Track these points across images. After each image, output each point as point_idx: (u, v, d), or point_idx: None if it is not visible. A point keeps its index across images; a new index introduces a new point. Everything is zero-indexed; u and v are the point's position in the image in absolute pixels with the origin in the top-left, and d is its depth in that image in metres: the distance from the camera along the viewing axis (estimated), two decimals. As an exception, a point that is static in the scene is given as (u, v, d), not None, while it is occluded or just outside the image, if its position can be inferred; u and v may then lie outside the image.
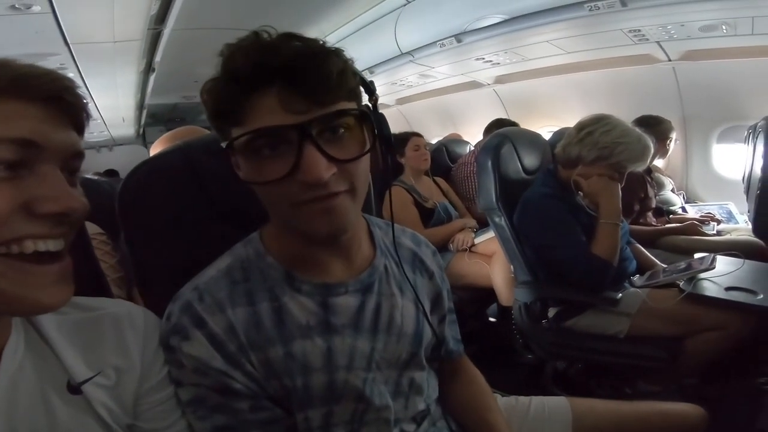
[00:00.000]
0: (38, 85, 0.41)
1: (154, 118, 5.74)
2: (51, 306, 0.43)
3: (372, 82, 0.59)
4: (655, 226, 2.06)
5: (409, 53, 3.02)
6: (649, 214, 2.09)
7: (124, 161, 3.03)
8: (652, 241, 1.89)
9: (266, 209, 0.58)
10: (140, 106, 4.72)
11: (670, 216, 2.27)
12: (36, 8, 1.72)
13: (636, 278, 1.45)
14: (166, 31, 2.55)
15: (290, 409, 0.59)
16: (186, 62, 3.05)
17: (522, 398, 0.86)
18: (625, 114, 1.49)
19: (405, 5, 2.42)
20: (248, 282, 0.59)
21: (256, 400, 0.57)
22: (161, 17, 2.41)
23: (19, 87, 0.40)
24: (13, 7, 1.65)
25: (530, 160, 1.58)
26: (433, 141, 3.39)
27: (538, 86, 3.37)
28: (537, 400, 0.85)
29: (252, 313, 0.57)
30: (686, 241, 1.88)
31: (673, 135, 2.17)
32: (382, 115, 0.58)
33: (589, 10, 2.07)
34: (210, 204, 0.69)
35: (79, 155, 0.45)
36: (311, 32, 2.73)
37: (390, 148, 0.59)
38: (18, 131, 0.39)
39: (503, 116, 2.91)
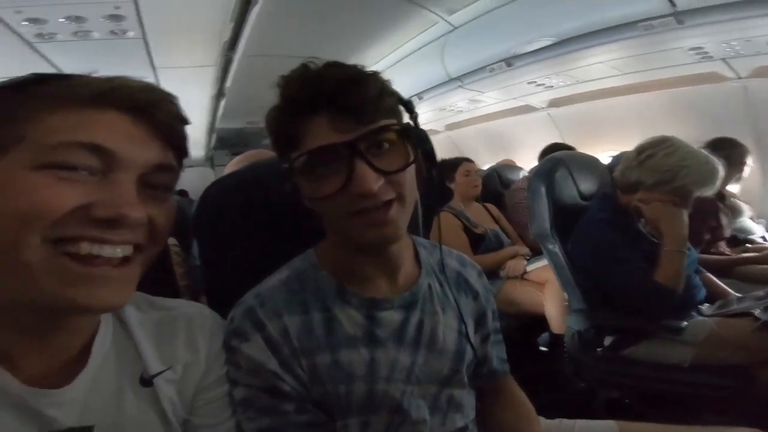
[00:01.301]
0: (128, 97, 0.43)
1: (221, 142, 6.05)
2: (87, 308, 0.42)
3: (410, 101, 0.63)
4: (728, 255, 1.91)
5: (457, 79, 3.05)
6: (722, 243, 1.94)
7: (193, 183, 3.24)
8: (725, 270, 1.74)
9: (322, 227, 0.63)
10: (210, 129, 5.06)
11: (748, 245, 2.08)
12: (131, 33, 1.94)
13: (705, 307, 1.36)
14: (236, 57, 2.77)
15: (331, 415, 0.62)
16: (251, 88, 3.28)
17: (567, 420, 0.84)
18: (691, 137, 1.41)
19: (451, 31, 2.46)
20: (303, 292, 0.63)
21: (302, 403, 0.60)
22: (232, 44, 2.64)
23: (108, 96, 0.43)
24: (112, 32, 1.88)
25: (587, 185, 1.54)
26: (484, 168, 3.37)
27: (594, 109, 3.27)
28: (582, 423, 0.82)
29: (305, 321, 0.61)
30: (764, 270, 1.72)
31: (749, 158, 2.02)
32: (422, 130, 0.61)
33: (644, 29, 2.00)
34: (274, 220, 0.75)
35: (161, 169, 0.46)
36: (361, 59, 2.85)
37: (433, 159, 0.62)
38: (91, 136, 0.41)
39: (558, 140, 2.84)
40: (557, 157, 1.54)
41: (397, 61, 2.91)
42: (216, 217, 0.75)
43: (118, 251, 0.43)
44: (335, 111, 0.54)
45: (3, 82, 0.42)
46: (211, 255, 0.76)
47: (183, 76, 2.79)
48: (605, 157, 2.49)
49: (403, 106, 0.61)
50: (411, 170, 0.59)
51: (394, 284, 0.66)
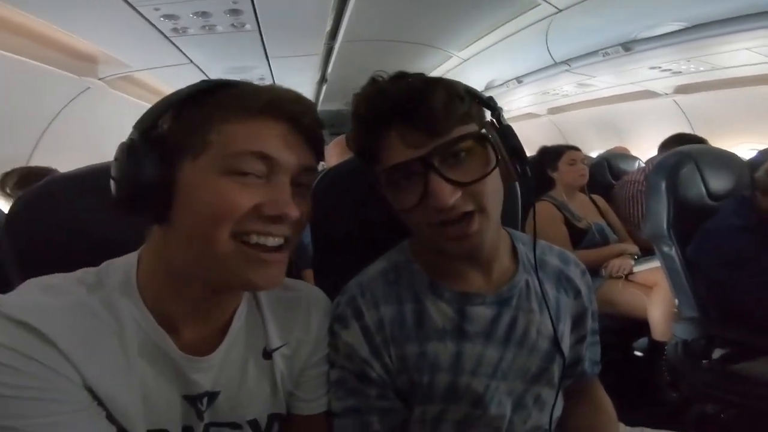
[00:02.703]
0: (283, 107, 0.50)
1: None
2: (258, 286, 0.51)
3: (491, 98, 0.60)
4: None
5: (564, 63, 2.83)
6: None
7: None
8: None
9: None
10: None
11: None
12: (248, 26, 2.14)
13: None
14: (336, 45, 2.90)
15: (410, 403, 0.66)
16: (348, 72, 3.45)
17: (648, 430, 0.80)
18: None
19: (556, 13, 2.28)
20: (398, 284, 0.66)
21: (384, 390, 0.64)
22: (333, 33, 2.76)
23: (270, 107, 0.49)
24: (232, 25, 2.09)
25: (719, 184, 1.37)
26: (592, 154, 3.09)
27: (734, 97, 2.81)
28: None
29: (398, 312, 0.65)
30: None
31: None
32: (507, 127, 0.59)
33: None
34: (378, 209, 0.80)
35: (307, 170, 0.53)
36: (453, 42, 2.81)
37: (520, 156, 0.59)
38: (261, 146, 0.48)
39: (686, 131, 2.49)
40: (685, 152, 1.39)
41: (494, 43, 2.79)
42: (328, 202, 0.80)
43: (276, 241, 0.50)
44: (403, 125, 0.55)
45: (188, 91, 0.50)
46: (322, 236, 0.82)
47: (292, 65, 2.99)
48: (746, 151, 2.15)
49: (484, 106, 0.60)
50: (494, 177, 0.58)
51: (488, 279, 0.66)
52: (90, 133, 2.72)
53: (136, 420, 0.50)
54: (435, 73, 3.61)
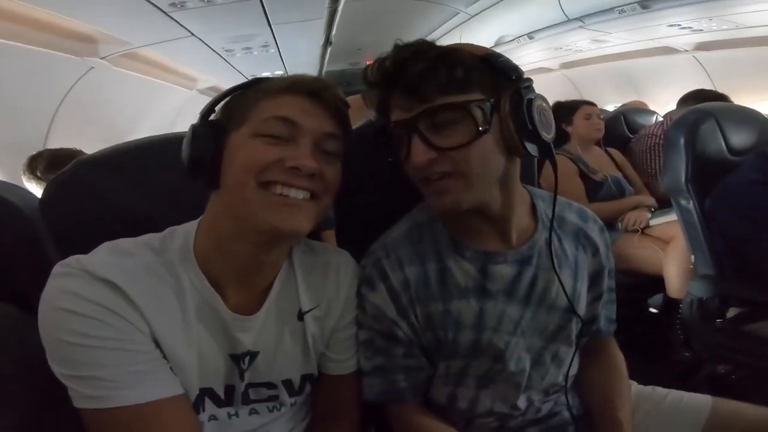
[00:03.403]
0: (304, 84, 0.58)
1: None
2: (280, 229, 0.54)
3: (514, 69, 0.59)
4: None
5: (578, 19, 2.71)
6: None
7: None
8: None
9: None
10: (319, 74, 5.42)
11: None
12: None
13: None
14: (340, 6, 2.81)
15: (434, 360, 0.69)
16: (353, 32, 3.40)
17: (660, 389, 0.82)
18: None
19: None
20: (422, 244, 0.68)
21: (410, 348, 0.67)
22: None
23: (293, 85, 0.58)
24: (233, -5, 2.04)
25: (740, 139, 1.33)
26: (608, 108, 2.99)
27: (759, 55, 2.66)
28: (676, 394, 0.80)
29: (422, 272, 0.67)
30: None
31: None
32: (524, 102, 0.58)
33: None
34: (394, 170, 0.80)
35: (329, 137, 0.59)
36: None
37: (527, 135, 0.58)
38: (284, 112, 0.56)
39: (707, 87, 2.39)
40: (706, 109, 1.34)
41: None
42: (346, 165, 0.82)
43: (301, 195, 0.56)
44: (400, 90, 0.59)
45: (235, 86, 0.61)
46: (344, 200, 0.84)
47: (295, 30, 2.92)
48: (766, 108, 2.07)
49: (502, 74, 0.58)
50: (483, 146, 0.58)
51: (507, 239, 0.68)
52: (101, 111, 2.73)
53: (191, 377, 0.55)
54: (440, 30, 3.49)
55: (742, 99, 2.19)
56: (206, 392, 0.58)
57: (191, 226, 0.59)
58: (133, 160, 0.69)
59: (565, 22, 2.81)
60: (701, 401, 0.77)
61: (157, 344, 0.52)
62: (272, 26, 2.91)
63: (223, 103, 0.61)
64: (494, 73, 0.58)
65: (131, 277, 0.50)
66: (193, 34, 2.44)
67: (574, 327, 0.70)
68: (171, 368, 0.53)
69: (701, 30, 2.62)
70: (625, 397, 0.74)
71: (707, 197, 1.27)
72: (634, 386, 0.82)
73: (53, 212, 0.65)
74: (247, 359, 0.60)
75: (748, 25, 2.39)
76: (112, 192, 0.66)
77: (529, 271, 0.67)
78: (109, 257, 0.52)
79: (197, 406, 0.57)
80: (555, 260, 0.68)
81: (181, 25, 2.25)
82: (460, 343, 0.66)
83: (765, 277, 1.14)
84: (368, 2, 2.72)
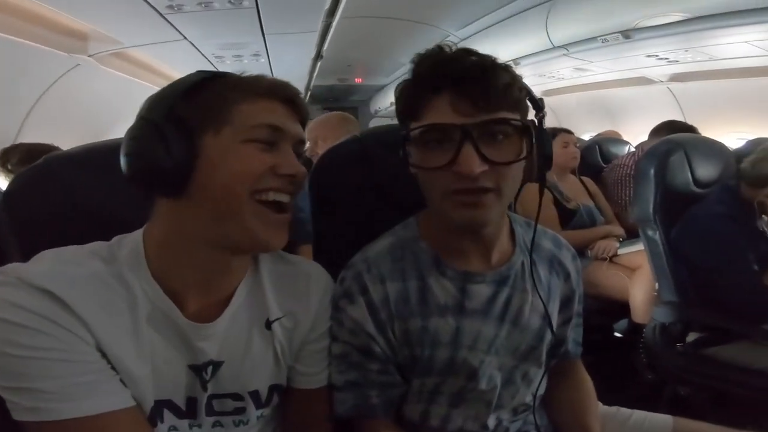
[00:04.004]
0: (282, 91, 0.58)
1: (314, 98, 6.42)
2: (274, 246, 0.57)
3: (541, 100, 0.63)
4: None
5: (563, 47, 2.83)
6: None
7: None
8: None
9: (424, 197, 0.66)
10: (307, 88, 5.40)
11: None
12: (246, 3, 2.11)
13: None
14: (334, 22, 2.85)
15: (408, 377, 0.69)
16: (344, 48, 3.43)
17: (624, 409, 0.84)
18: None
19: None
20: (404, 260, 0.68)
21: (386, 364, 0.67)
22: (332, 10, 2.72)
23: (272, 91, 0.57)
24: (230, 2, 2.05)
25: (705, 172, 1.41)
26: (585, 137, 3.10)
27: (728, 88, 2.81)
28: (639, 414, 0.83)
29: (403, 288, 0.67)
30: None
31: None
32: (545, 132, 0.61)
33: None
34: (378, 187, 0.80)
35: (302, 141, 0.61)
36: (453, 21, 2.75)
37: (549, 164, 0.62)
38: (274, 119, 0.56)
39: (679, 118, 2.51)
40: (675, 140, 1.42)
41: (492, 24, 2.79)
42: (326, 180, 0.82)
43: (287, 198, 0.57)
44: (459, 94, 0.56)
45: (194, 79, 0.55)
46: (322, 215, 0.84)
47: (288, 42, 2.94)
48: (735, 140, 2.17)
49: (532, 104, 0.62)
50: (519, 167, 0.60)
51: (487, 260, 0.68)
52: (82, 110, 2.67)
53: (145, 389, 0.53)
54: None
55: (710, 131, 2.30)
56: (164, 404, 0.56)
57: (137, 234, 0.57)
58: (105, 159, 0.66)
59: (550, 49, 2.92)
60: (663, 421, 0.79)
61: (104, 355, 0.50)
62: (265, 36, 2.92)
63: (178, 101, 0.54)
64: (528, 99, 0.61)
65: (73, 286, 0.48)
66: (185, 38, 2.44)
67: (545, 348, 0.72)
68: (121, 380, 0.51)
69: (677, 61, 2.75)
70: (595, 415, 0.75)
71: (673, 227, 1.32)
72: (600, 407, 0.83)
73: (15, 206, 0.63)
74: (209, 369, 0.58)
75: (721, 57, 2.51)
76: (80, 189, 0.64)
77: (504, 291, 0.69)
78: (51, 266, 0.49)
79: (153, 418, 0.55)
80: (529, 282, 0.70)
81: (175, 28, 2.24)
82: (436, 360, 0.66)
83: (730, 304, 1.20)
84: (362, 20, 2.76)
